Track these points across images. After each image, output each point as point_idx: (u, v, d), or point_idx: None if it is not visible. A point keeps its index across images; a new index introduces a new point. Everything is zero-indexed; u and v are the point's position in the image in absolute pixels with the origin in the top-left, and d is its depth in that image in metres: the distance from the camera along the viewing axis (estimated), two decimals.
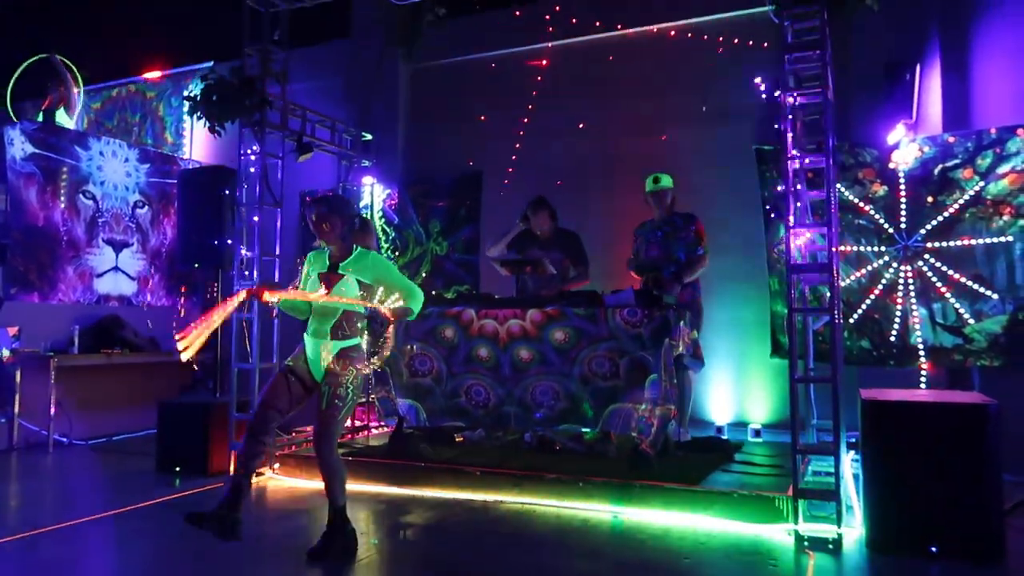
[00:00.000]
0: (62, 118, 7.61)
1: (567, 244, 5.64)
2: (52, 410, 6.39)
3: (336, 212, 3.56)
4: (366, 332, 3.74)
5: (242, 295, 3.50)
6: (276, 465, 5.18)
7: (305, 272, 3.65)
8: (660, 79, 6.61)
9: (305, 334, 3.59)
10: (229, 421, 5.30)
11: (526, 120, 6.95)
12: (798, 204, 4.00)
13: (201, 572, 3.48)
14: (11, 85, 7.78)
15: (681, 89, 6.51)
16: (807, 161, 4.04)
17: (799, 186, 4.00)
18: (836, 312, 3.89)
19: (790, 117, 3.91)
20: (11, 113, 7.37)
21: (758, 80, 5.51)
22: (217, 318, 3.32)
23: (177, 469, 5.40)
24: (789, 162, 3.90)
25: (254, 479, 3.66)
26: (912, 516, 3.49)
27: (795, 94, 4.06)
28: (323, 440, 3.48)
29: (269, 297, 3.50)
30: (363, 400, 6.12)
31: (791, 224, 3.88)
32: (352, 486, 4.90)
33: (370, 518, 4.31)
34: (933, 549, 3.41)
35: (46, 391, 6.35)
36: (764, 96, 5.50)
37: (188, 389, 7.80)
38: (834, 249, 3.88)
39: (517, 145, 6.92)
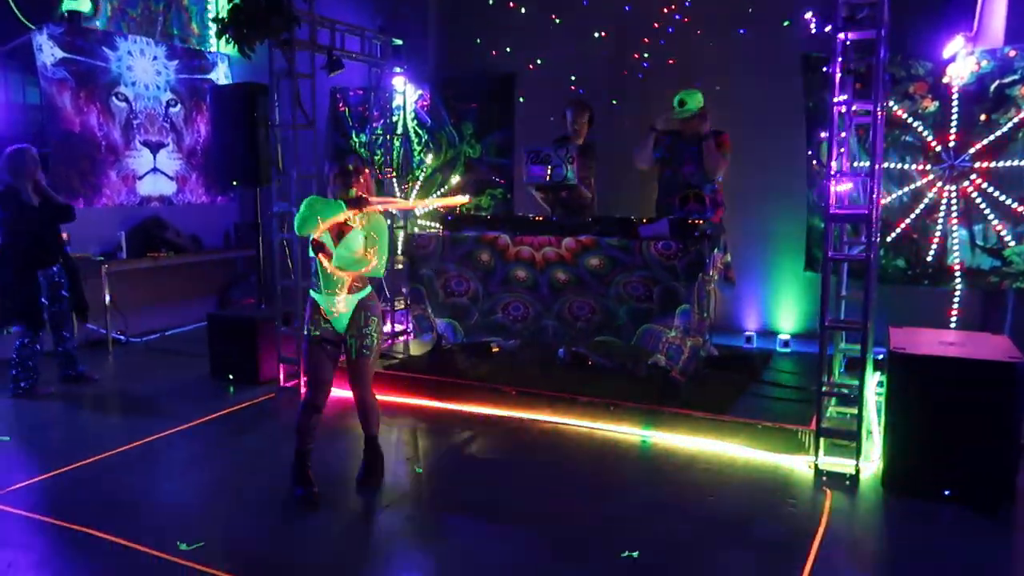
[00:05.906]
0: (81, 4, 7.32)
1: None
2: (107, 311, 6.75)
3: (366, 166, 3.68)
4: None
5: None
6: None
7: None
8: None
9: (314, 293, 3.62)
10: (276, 336, 5.56)
11: (560, 21, 6.63)
12: (842, 150, 3.89)
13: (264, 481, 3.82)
14: None
15: None
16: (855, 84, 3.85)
17: (843, 133, 3.87)
18: (872, 257, 3.88)
19: (840, 58, 3.72)
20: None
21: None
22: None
23: (231, 377, 5.75)
24: (835, 107, 3.75)
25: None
26: (930, 462, 3.62)
27: (847, 29, 3.83)
28: (360, 386, 3.74)
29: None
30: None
31: (832, 172, 3.80)
32: (394, 398, 5.24)
33: (411, 440, 4.62)
34: (946, 492, 3.59)
35: (100, 294, 6.65)
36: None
37: (231, 284, 8.09)
38: (875, 196, 3.82)
39: (551, 47, 6.63)
